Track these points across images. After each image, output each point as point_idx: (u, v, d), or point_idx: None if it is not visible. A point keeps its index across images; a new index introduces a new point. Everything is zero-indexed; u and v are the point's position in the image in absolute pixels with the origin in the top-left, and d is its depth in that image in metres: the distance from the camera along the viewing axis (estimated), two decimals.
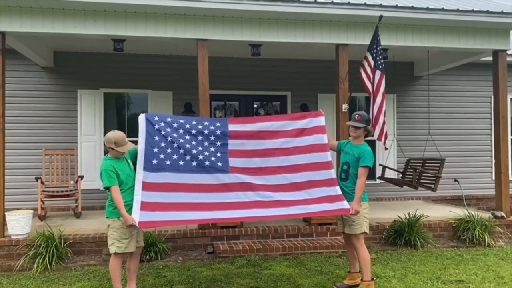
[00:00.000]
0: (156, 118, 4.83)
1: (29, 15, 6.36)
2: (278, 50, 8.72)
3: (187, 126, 4.89)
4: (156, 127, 4.74)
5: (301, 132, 5.01)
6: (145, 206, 4.35)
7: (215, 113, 9.66)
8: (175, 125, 4.84)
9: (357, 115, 4.88)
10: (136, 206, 4.33)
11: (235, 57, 9.24)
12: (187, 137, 4.82)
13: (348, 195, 4.76)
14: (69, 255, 6.11)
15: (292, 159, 4.92)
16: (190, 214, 4.48)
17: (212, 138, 4.88)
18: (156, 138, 4.69)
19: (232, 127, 4.96)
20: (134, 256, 4.67)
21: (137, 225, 4.22)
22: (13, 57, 8.04)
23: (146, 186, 4.46)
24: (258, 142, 4.94)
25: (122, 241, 4.42)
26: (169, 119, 4.89)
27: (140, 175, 4.51)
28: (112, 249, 4.45)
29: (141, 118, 4.78)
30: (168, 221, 4.51)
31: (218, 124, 4.98)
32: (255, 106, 10.03)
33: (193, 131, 4.87)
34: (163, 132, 4.73)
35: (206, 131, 4.89)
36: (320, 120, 5.08)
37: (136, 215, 4.28)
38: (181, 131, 4.83)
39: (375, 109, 6.23)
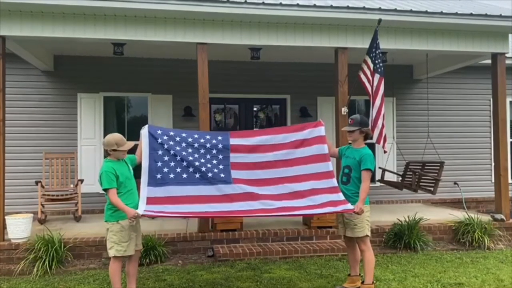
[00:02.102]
0: (159, 132, 4.84)
1: (29, 19, 6.39)
2: (277, 54, 8.74)
3: (190, 139, 4.91)
4: (159, 140, 4.76)
5: (301, 143, 5.02)
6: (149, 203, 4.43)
7: (214, 116, 9.68)
8: (177, 138, 4.86)
9: (350, 120, 4.98)
10: (141, 204, 4.39)
11: (234, 60, 9.26)
12: (190, 150, 4.85)
13: (350, 198, 4.77)
14: (69, 259, 6.11)
15: (293, 170, 4.93)
16: (192, 209, 4.54)
17: (214, 151, 4.91)
18: (160, 152, 4.72)
19: (234, 141, 4.98)
20: (133, 259, 4.67)
21: (140, 213, 4.25)
22: (13, 61, 8.06)
23: (150, 201, 4.48)
24: (259, 155, 4.96)
25: (122, 244, 4.43)
26: (171, 133, 4.91)
27: (144, 191, 4.51)
28: (112, 253, 4.46)
29: (144, 133, 4.78)
30: (170, 212, 4.53)
31: (219, 138, 5.01)
32: (254, 109, 10.05)
33: (195, 145, 4.90)
34: (166, 146, 4.76)
35: (208, 145, 4.93)
36: (320, 130, 5.09)
37: (141, 209, 4.33)
38: (183, 144, 4.86)
39: (374, 112, 6.25)
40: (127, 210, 4.29)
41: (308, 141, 5.03)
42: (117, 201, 4.33)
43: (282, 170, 4.92)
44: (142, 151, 4.68)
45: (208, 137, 5.01)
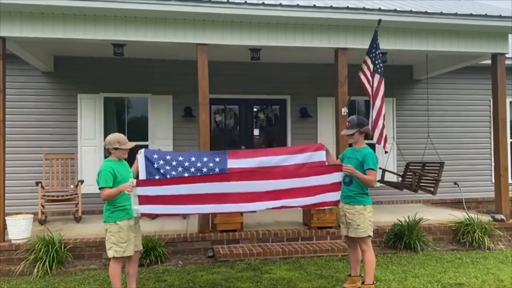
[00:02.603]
0: (155, 156, 4.86)
1: (30, 20, 6.40)
2: (277, 54, 8.75)
3: (186, 164, 4.93)
4: (155, 165, 4.80)
5: (300, 168, 4.94)
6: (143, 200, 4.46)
7: (215, 117, 9.68)
8: (174, 163, 4.89)
9: (347, 123, 4.95)
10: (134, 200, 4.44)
11: (234, 61, 9.26)
12: (186, 174, 4.89)
13: (352, 198, 4.78)
14: (69, 260, 6.11)
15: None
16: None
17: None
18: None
19: (231, 164, 4.93)
20: (133, 259, 4.68)
21: (134, 182, 4.32)
22: (13, 62, 8.07)
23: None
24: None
25: (120, 245, 4.43)
26: (168, 157, 4.92)
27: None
28: (110, 253, 4.47)
29: (141, 157, 4.80)
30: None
31: (217, 159, 4.98)
32: (254, 109, 10.06)
33: (192, 169, 4.92)
34: (162, 171, 4.81)
35: (204, 169, 4.92)
36: (321, 155, 5.02)
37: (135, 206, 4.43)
38: (180, 169, 4.90)
39: (374, 112, 6.26)
40: (122, 188, 4.34)
41: (308, 168, 4.93)
42: (110, 193, 4.36)
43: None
44: (138, 173, 4.71)
45: (205, 159, 4.98)
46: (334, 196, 4.89)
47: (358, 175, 4.73)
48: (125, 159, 4.65)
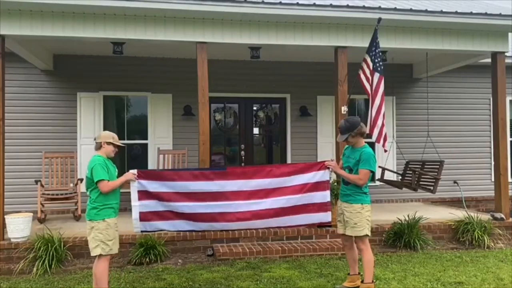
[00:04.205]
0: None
1: (29, 18, 6.39)
2: (277, 53, 8.74)
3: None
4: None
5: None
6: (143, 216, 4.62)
7: (214, 116, 9.67)
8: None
9: (338, 129, 4.93)
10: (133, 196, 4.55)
11: (234, 59, 9.25)
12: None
13: (350, 196, 4.78)
14: (69, 258, 6.11)
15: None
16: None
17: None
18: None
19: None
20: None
21: (135, 173, 4.52)
22: (13, 60, 8.05)
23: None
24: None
25: (107, 243, 4.42)
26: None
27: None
28: (97, 251, 4.44)
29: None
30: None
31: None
32: (254, 108, 10.05)
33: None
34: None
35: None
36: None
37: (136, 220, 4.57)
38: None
39: (373, 111, 6.24)
40: (124, 179, 4.48)
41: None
42: (113, 184, 4.38)
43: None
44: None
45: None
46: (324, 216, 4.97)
47: (340, 173, 4.77)
48: (111, 159, 4.65)
